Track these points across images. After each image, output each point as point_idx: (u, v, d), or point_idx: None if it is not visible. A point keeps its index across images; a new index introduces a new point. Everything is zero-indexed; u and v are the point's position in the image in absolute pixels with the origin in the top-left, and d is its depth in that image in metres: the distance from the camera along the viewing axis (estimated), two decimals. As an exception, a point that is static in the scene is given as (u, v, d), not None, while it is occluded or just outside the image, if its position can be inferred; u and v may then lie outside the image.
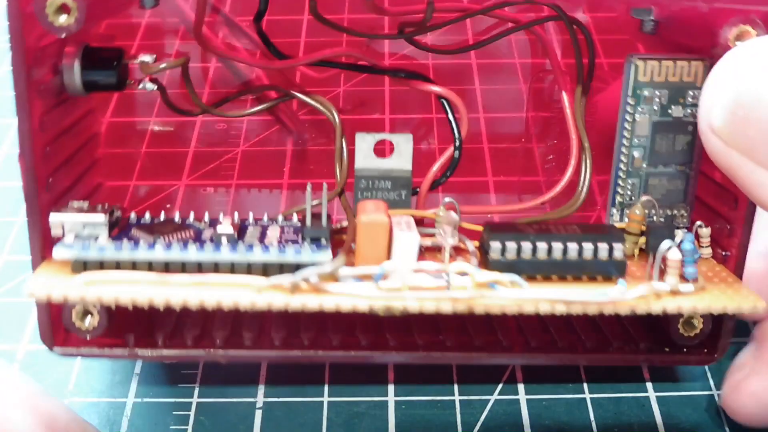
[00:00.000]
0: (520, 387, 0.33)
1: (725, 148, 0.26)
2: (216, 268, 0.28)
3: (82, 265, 0.27)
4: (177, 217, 0.30)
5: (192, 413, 0.32)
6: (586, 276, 0.29)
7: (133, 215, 0.30)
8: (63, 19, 0.26)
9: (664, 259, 0.29)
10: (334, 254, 0.28)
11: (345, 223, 0.31)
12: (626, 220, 0.32)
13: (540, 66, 0.35)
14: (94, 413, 0.31)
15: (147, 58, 0.30)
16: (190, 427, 0.31)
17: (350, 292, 0.27)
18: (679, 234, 0.29)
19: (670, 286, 0.28)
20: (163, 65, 0.30)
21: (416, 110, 0.36)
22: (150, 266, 0.28)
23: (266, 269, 0.28)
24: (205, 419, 0.31)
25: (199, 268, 0.28)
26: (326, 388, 0.33)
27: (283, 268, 0.28)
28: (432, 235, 0.31)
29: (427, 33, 0.33)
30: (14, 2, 0.26)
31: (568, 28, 0.32)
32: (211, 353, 0.31)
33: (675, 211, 0.32)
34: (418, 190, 0.33)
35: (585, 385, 0.33)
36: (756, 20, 0.28)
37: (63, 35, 0.27)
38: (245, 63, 0.34)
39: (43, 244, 0.28)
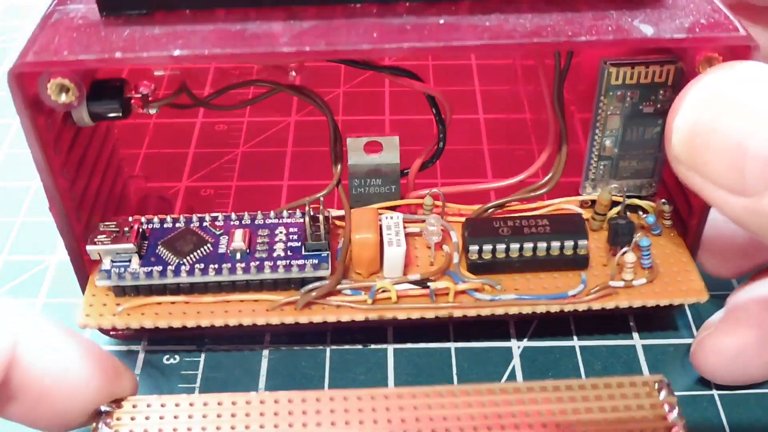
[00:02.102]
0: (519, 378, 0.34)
1: (688, 171, 0.28)
2: (233, 284, 0.33)
3: (121, 290, 0.33)
4: (194, 220, 0.34)
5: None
6: (554, 270, 0.33)
7: (156, 220, 0.34)
8: (64, 98, 0.29)
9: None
10: (334, 254, 0.33)
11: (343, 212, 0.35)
12: (598, 190, 0.35)
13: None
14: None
15: (146, 90, 0.32)
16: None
17: (348, 303, 0.32)
18: (650, 213, 0.34)
19: (624, 283, 0.33)
20: (162, 101, 0.32)
21: (415, 111, 0.37)
22: (178, 286, 0.33)
23: (276, 283, 0.33)
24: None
25: (219, 285, 0.33)
26: (327, 378, 0.35)
27: (290, 282, 0.33)
28: (421, 221, 0.35)
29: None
30: (18, 87, 0.28)
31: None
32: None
33: (642, 180, 0.35)
34: (408, 171, 0.36)
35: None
36: (725, 49, 0.29)
37: (67, 110, 0.29)
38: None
39: (83, 267, 0.33)
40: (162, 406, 0.28)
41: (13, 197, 0.43)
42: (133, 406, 0.28)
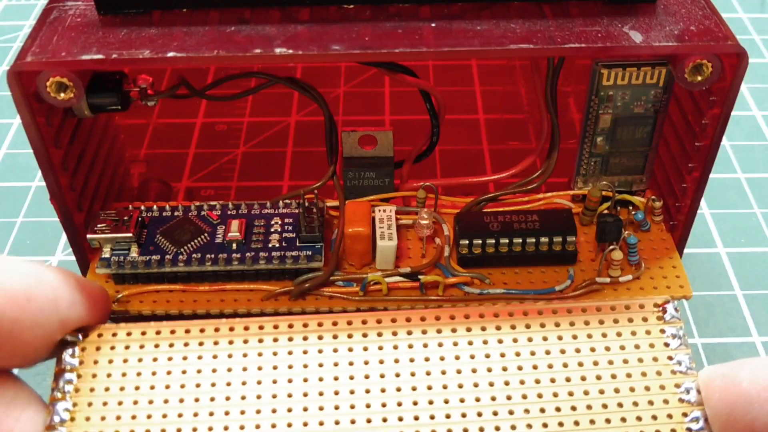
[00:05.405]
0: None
1: None
2: (229, 274, 0.34)
3: (120, 278, 0.34)
4: (192, 209, 0.35)
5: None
6: (543, 264, 0.34)
7: (155, 208, 0.35)
8: (63, 95, 0.29)
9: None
10: (328, 245, 0.34)
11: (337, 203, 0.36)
12: (589, 185, 0.36)
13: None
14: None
15: (144, 84, 0.33)
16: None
17: (340, 295, 0.33)
18: (640, 209, 0.35)
19: (610, 280, 0.33)
20: (161, 94, 0.33)
21: (414, 112, 0.37)
22: (175, 274, 0.33)
23: (270, 273, 0.34)
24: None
25: (215, 274, 0.34)
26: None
27: (284, 272, 0.34)
28: (414, 213, 0.35)
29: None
30: (18, 86, 0.28)
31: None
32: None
33: (633, 177, 0.36)
34: (403, 161, 0.36)
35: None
36: (714, 57, 0.29)
37: (66, 106, 0.30)
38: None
39: (85, 256, 0.34)
40: (128, 335, 0.26)
41: (13, 197, 0.43)
42: (99, 336, 0.26)
